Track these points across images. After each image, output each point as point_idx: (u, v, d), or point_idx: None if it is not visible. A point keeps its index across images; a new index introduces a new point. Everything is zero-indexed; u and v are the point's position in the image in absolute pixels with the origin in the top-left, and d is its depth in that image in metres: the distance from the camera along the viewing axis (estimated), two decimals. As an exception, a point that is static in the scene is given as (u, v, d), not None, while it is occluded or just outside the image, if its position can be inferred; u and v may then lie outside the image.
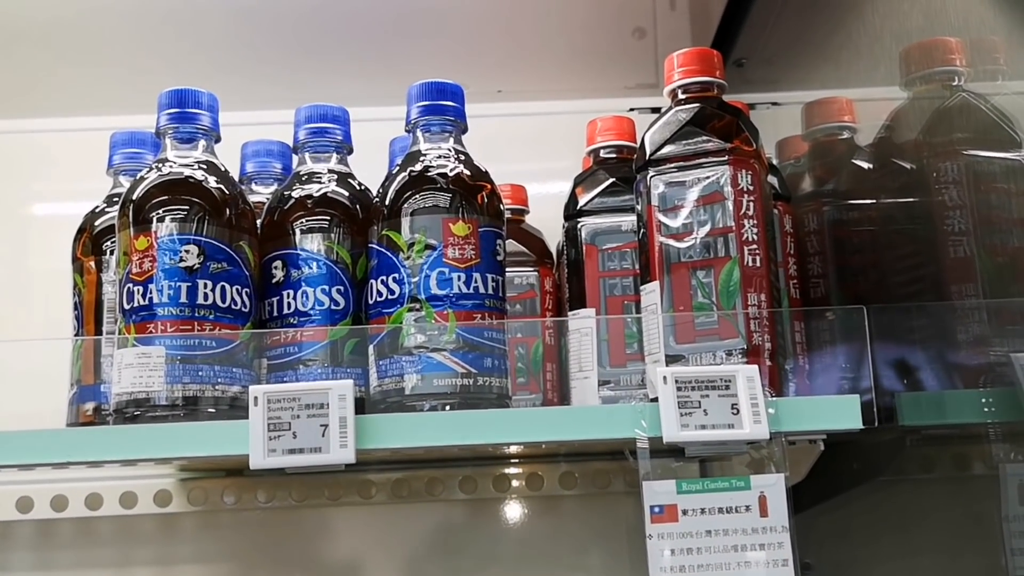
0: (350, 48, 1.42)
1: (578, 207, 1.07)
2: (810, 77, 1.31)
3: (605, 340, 1.01)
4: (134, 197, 0.91)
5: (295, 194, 0.98)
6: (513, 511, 1.38)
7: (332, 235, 0.96)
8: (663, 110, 0.97)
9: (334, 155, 1.01)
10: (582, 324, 1.03)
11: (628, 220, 1.02)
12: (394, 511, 1.38)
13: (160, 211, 0.90)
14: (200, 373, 0.87)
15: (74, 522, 1.35)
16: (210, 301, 0.89)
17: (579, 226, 1.06)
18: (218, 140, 0.97)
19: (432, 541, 1.38)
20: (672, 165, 0.92)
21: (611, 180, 1.06)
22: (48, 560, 1.37)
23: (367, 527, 1.39)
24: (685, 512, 0.82)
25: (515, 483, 1.36)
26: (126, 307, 0.89)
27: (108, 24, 1.31)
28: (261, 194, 1.13)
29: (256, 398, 0.81)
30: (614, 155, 1.10)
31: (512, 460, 1.36)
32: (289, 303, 0.94)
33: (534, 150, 1.49)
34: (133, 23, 1.32)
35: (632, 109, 1.54)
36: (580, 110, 1.50)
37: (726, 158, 0.90)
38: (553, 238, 1.17)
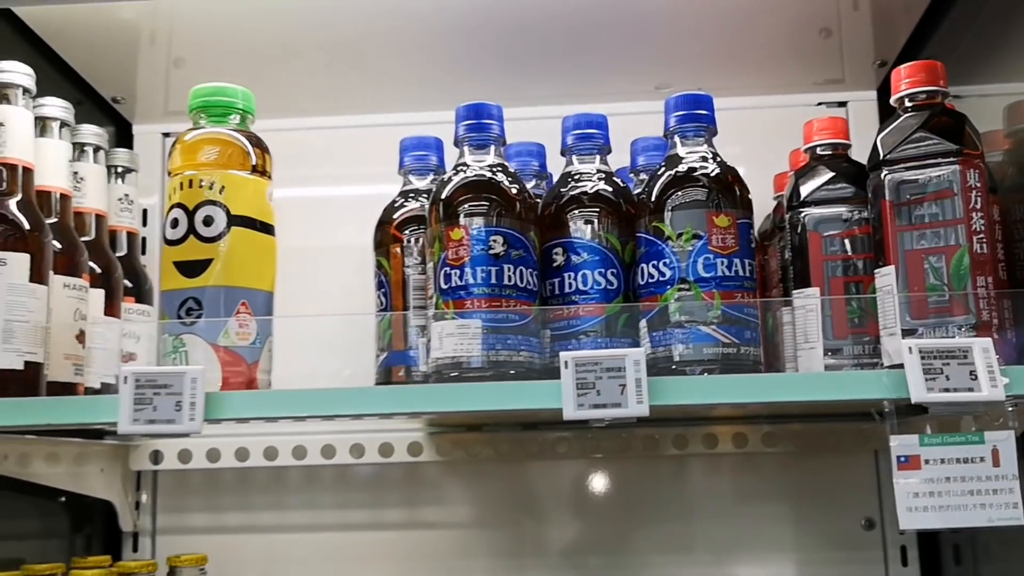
0: (554, 55, 1.54)
1: (801, 198, 1.20)
2: (994, 74, 1.40)
3: (829, 316, 1.16)
4: (444, 196, 1.09)
5: (570, 191, 1.13)
6: (722, 466, 1.54)
7: (604, 225, 1.11)
8: (894, 116, 1.10)
9: (598, 156, 1.16)
10: (807, 301, 1.17)
11: (846, 210, 1.15)
12: (614, 464, 1.55)
13: (470, 207, 1.07)
14: (508, 341, 1.04)
15: (338, 468, 1.56)
16: (512, 282, 1.06)
17: (802, 215, 1.19)
18: (504, 144, 1.14)
19: (645, 491, 1.55)
20: (904, 165, 1.05)
21: (831, 175, 1.20)
22: (314, 500, 1.59)
23: (586, 479, 1.56)
24: (927, 461, 0.96)
25: (724, 440, 1.52)
26: (443, 287, 1.06)
27: (370, 43, 1.49)
28: (416, 184, 1.28)
29: (567, 362, 0.97)
30: (829, 151, 1.23)
31: (720, 420, 1.51)
32: (570, 283, 1.10)
33: (733, 141, 1.62)
34: (386, 41, 1.49)
35: (820, 103, 1.67)
36: (773, 104, 1.63)
37: (955, 159, 1.03)
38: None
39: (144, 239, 1.53)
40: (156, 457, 1.54)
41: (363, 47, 1.50)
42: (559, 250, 1.11)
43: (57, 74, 1.48)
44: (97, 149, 1.36)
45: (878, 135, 1.09)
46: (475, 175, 1.09)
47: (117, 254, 1.38)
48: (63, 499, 1.46)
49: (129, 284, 1.39)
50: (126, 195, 1.45)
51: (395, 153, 1.30)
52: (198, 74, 1.47)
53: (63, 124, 1.27)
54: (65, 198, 1.25)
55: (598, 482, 1.57)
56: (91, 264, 1.26)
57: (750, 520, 1.55)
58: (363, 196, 1.36)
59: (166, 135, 1.69)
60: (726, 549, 1.54)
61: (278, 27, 1.44)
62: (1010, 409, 0.97)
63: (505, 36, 1.49)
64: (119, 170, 1.43)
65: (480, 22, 1.45)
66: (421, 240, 1.20)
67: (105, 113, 1.62)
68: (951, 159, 1.03)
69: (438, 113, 1.29)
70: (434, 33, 1.46)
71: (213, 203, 1.10)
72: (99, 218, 1.35)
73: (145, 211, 1.61)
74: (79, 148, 1.32)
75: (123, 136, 1.68)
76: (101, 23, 1.42)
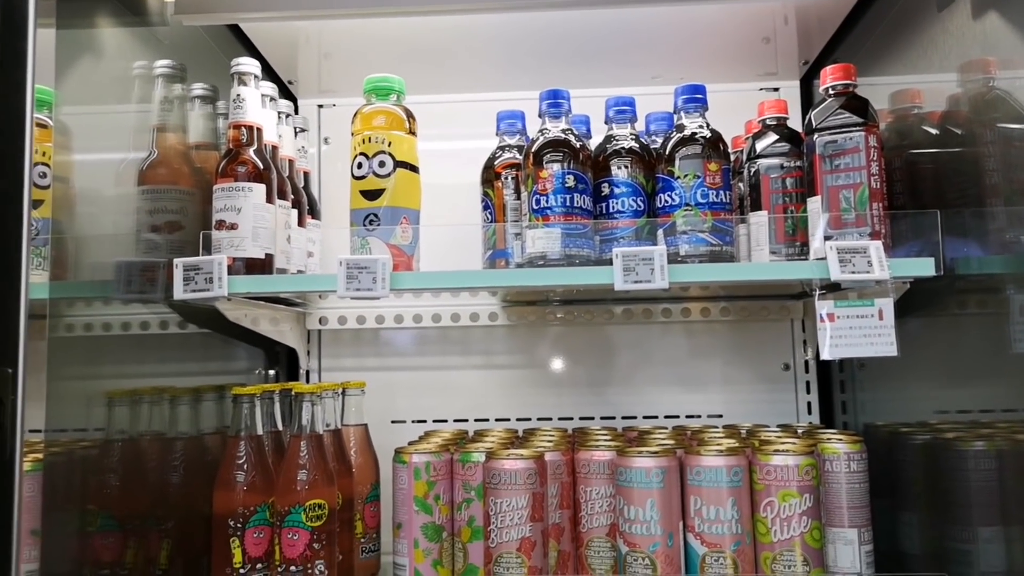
0: (587, 55, 1.59)
1: (756, 153, 1.33)
2: (883, 70, 1.51)
3: (773, 229, 1.31)
4: (534, 149, 1.22)
5: (612, 147, 1.26)
6: (694, 329, 1.69)
7: (634, 170, 1.24)
8: (820, 99, 1.23)
9: (629, 124, 1.29)
10: (759, 219, 1.32)
11: (785, 160, 1.29)
12: (622, 328, 1.67)
13: (551, 156, 1.21)
14: (576, 243, 1.19)
15: (441, 329, 1.68)
16: (578, 205, 1.20)
17: (756, 164, 1.32)
18: (570, 113, 1.26)
19: (643, 346, 1.67)
20: (828, 131, 1.20)
21: (776, 137, 1.32)
22: (424, 351, 1.70)
23: (604, 338, 1.68)
24: (839, 317, 1.12)
25: (694, 312, 1.66)
26: (535, 208, 1.20)
27: (469, 43, 1.54)
28: (508, 141, 1.38)
29: (617, 254, 1.12)
30: (775, 122, 1.35)
31: (694, 299, 1.66)
32: (613, 206, 1.23)
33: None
34: (482, 43, 1.55)
35: (761, 89, 1.76)
36: (729, 90, 1.70)
37: (861, 128, 1.17)
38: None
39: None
40: (322, 321, 1.69)
41: (463, 46, 1.55)
42: (606, 185, 1.24)
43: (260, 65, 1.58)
44: (287, 116, 1.48)
45: (811, 111, 1.22)
46: (554, 136, 1.22)
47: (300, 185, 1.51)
48: (275, 348, 1.61)
49: (307, 206, 1.53)
50: (303, 147, 1.57)
51: (493, 120, 1.40)
52: (337, 63, 1.56)
53: (271, 99, 1.39)
54: (275, 148, 1.37)
55: (612, 340, 1.67)
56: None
57: (710, 364, 1.67)
58: (472, 149, 1.45)
59: (320, 106, 1.76)
60: (694, 382, 1.66)
61: (394, 30, 1.49)
62: (890, 285, 1.13)
63: (559, 41, 1.54)
64: (297, 130, 1.55)
65: (543, 31, 1.50)
66: (513, 178, 1.33)
67: (283, 91, 1.70)
68: (858, 128, 1.17)
69: (520, 92, 1.39)
70: (515, 38, 1.52)
71: (384, 152, 1.24)
72: (291, 162, 1.47)
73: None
74: (280, 115, 1.44)
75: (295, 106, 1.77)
76: (280, 32, 1.50)
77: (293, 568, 1.19)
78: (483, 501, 1.17)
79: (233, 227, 1.21)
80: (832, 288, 1.17)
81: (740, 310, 1.65)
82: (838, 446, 1.22)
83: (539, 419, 1.65)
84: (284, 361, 1.69)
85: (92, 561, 1.15)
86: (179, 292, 1.15)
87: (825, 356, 1.11)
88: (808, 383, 1.65)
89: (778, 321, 1.65)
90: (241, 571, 1.19)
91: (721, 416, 1.64)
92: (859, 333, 1.11)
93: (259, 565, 1.20)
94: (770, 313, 1.64)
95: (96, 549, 1.17)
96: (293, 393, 1.26)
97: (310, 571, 1.19)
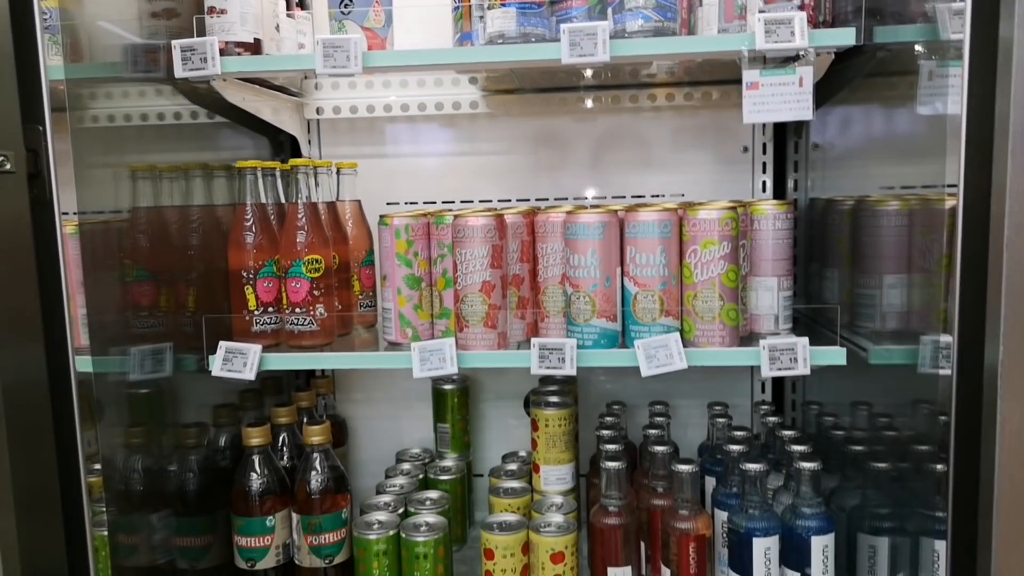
0: None
1: None
2: None
3: (722, 10, 1.38)
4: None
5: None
6: (660, 115, 1.80)
7: (588, -50, 1.32)
8: None
9: (586, -95, 1.35)
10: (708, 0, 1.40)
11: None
12: (595, 116, 1.78)
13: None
14: (531, 22, 1.29)
15: (426, 116, 1.80)
16: (533, -15, 1.30)
17: None
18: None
19: (614, 131, 1.79)
20: (771, -93, 1.25)
21: None
22: (415, 138, 1.83)
23: (580, 124, 1.79)
24: (763, 85, 1.24)
25: (660, 97, 1.77)
26: (494, -11, 1.31)
27: None
28: None
29: (564, 30, 1.23)
30: None
31: (659, 85, 1.76)
32: (568, -12, 1.33)
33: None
34: None
35: None
36: None
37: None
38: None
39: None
40: (319, 111, 1.82)
41: None
42: (561, -35, 1.33)
43: None
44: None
45: None
46: (511, -83, 1.30)
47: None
48: (279, 137, 1.77)
49: (296, -2, 1.62)
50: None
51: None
52: None
53: None
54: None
55: (584, 127, 1.79)
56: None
57: (676, 146, 1.78)
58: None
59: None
60: (660, 165, 1.78)
61: None
62: (811, 52, 1.23)
63: None
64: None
65: None
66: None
67: None
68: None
69: None
70: None
71: (354, -62, 1.33)
72: (276, -47, 1.56)
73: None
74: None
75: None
76: None
77: (298, 310, 1.42)
78: (452, 254, 1.36)
79: (223, 12, 1.33)
80: (763, 59, 1.26)
81: (703, 96, 1.75)
82: (766, 207, 1.38)
83: (518, 200, 1.82)
84: (288, 150, 1.86)
85: (132, 305, 1.39)
86: (179, 71, 1.30)
87: (746, 120, 1.23)
88: (764, 164, 1.78)
89: (739, 106, 1.71)
90: (256, 312, 1.43)
91: (683, 195, 1.79)
92: (779, 100, 1.23)
93: (270, 308, 1.43)
94: (731, 98, 1.73)
95: (135, 295, 1.41)
96: (291, 165, 1.44)
97: (311, 313, 1.42)
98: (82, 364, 1.19)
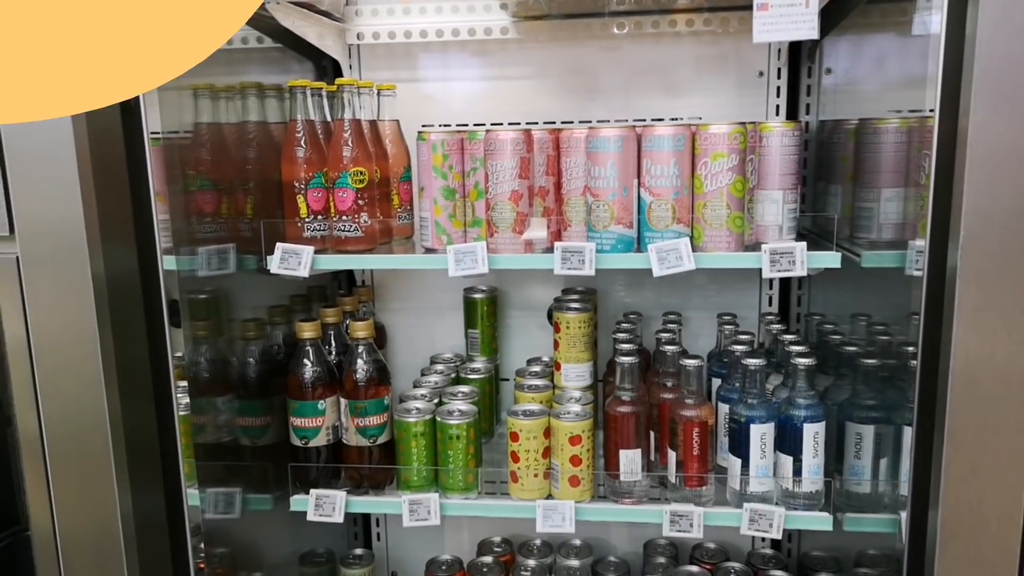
0: None
1: None
2: None
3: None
4: None
5: None
6: (681, 41, 1.88)
7: None
8: None
9: None
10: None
11: None
12: (620, 41, 1.87)
13: None
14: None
15: (461, 42, 1.91)
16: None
17: None
18: None
19: (638, 56, 1.88)
20: None
21: None
22: (448, 63, 1.94)
23: (607, 49, 1.89)
24: (772, 6, 1.33)
25: (680, 23, 1.85)
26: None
27: None
28: None
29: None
30: None
31: (680, 11, 1.83)
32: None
33: None
34: None
35: None
36: None
37: None
38: None
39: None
40: (359, 36, 1.94)
41: None
42: None
43: None
44: None
45: None
46: None
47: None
48: (323, 62, 1.89)
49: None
50: None
51: None
52: None
53: None
54: None
55: (609, 53, 1.87)
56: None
57: (695, 72, 1.87)
58: None
59: None
60: (678, 90, 1.87)
61: None
62: (819, -21, 1.32)
63: None
64: None
65: None
66: None
67: None
68: None
69: None
70: None
71: None
72: None
73: None
74: None
75: None
76: None
77: (344, 218, 1.57)
78: (484, 167, 1.50)
79: (275, -60, 1.45)
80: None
81: (721, 21, 1.83)
82: (774, 125, 1.48)
83: (545, 123, 1.94)
84: (331, 74, 1.98)
85: (197, 212, 1.55)
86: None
87: (756, 39, 1.33)
88: (779, 88, 1.87)
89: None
90: (307, 219, 1.58)
91: (700, 118, 1.89)
92: (787, 20, 1.32)
93: (319, 216, 1.58)
94: (748, 23, 1.79)
95: (199, 203, 1.57)
96: (337, 85, 1.57)
97: (357, 220, 1.57)
98: (167, 263, 1.36)
